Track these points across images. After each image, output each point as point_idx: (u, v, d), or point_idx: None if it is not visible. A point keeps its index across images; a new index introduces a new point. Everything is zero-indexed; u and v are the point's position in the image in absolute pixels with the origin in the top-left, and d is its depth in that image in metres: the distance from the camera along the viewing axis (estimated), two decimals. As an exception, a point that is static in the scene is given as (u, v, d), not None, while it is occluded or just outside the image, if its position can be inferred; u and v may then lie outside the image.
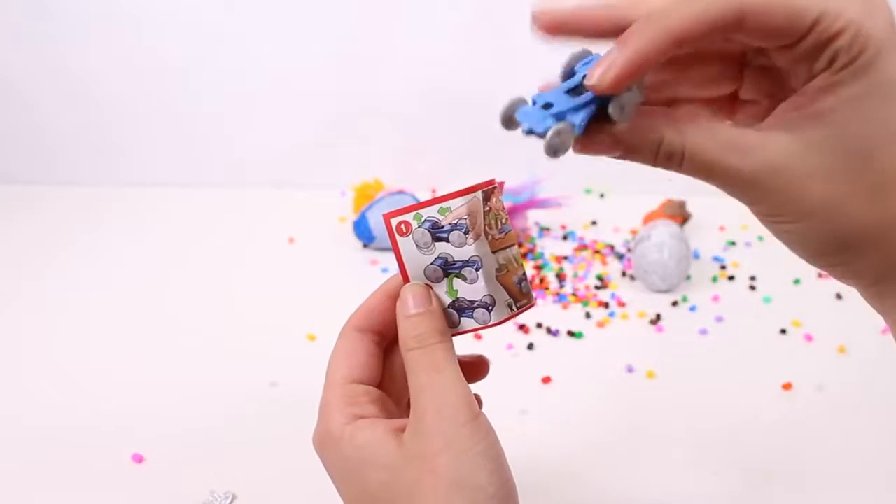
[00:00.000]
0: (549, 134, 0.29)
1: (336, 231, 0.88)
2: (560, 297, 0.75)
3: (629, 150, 0.31)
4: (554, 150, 0.29)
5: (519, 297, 0.37)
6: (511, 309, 0.37)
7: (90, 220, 0.92)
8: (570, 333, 0.69)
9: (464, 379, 0.34)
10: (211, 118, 0.97)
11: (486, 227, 0.36)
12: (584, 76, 0.30)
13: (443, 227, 0.35)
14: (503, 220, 0.37)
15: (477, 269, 0.36)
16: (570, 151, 0.31)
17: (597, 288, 0.77)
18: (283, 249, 0.85)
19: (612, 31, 0.29)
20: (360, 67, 0.93)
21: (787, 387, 0.61)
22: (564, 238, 0.87)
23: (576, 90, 0.31)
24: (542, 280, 0.78)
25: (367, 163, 0.96)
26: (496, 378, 0.67)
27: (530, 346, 0.67)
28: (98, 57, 0.94)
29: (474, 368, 0.40)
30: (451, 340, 0.35)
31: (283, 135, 0.98)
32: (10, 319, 0.73)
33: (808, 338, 0.67)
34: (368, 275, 0.80)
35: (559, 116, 0.30)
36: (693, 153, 0.30)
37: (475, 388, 0.41)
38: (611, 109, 0.30)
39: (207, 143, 0.99)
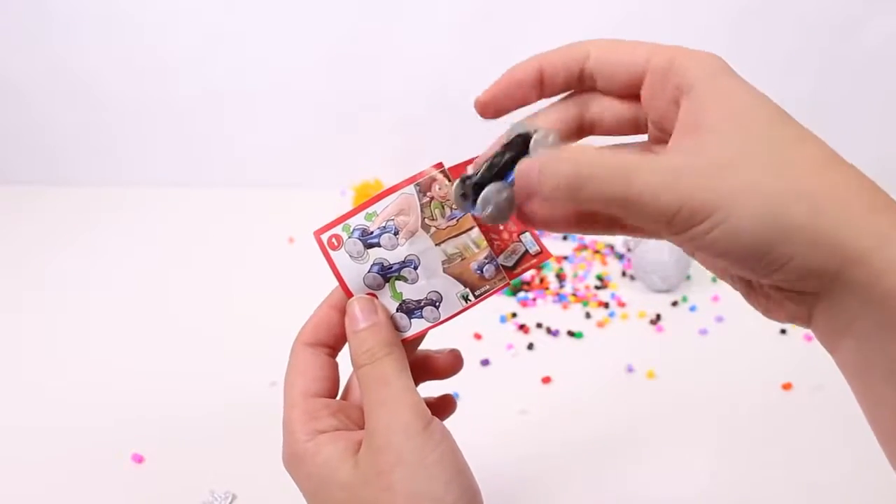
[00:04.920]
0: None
1: (336, 231, 0.88)
2: (560, 297, 0.75)
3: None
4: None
5: (478, 284, 0.36)
6: (466, 300, 0.35)
7: (90, 220, 0.93)
8: (570, 333, 0.69)
9: (414, 389, 0.33)
10: (211, 118, 0.97)
11: (427, 220, 0.35)
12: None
13: (372, 232, 0.35)
14: (452, 207, 0.35)
15: (415, 268, 0.35)
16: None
17: (597, 288, 0.77)
18: (283, 249, 0.85)
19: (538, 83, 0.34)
20: (360, 67, 0.93)
21: (787, 387, 0.61)
22: (564, 238, 0.87)
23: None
24: (542, 280, 0.78)
25: (367, 163, 0.96)
26: (496, 378, 0.67)
27: (530, 346, 0.67)
28: (98, 57, 0.94)
29: (446, 366, 0.39)
30: (401, 350, 0.34)
31: (283, 135, 0.98)
32: (10, 319, 0.73)
33: (808, 338, 0.67)
34: (368, 275, 0.79)
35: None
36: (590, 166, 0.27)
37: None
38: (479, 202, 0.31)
39: (207, 143, 0.99)
